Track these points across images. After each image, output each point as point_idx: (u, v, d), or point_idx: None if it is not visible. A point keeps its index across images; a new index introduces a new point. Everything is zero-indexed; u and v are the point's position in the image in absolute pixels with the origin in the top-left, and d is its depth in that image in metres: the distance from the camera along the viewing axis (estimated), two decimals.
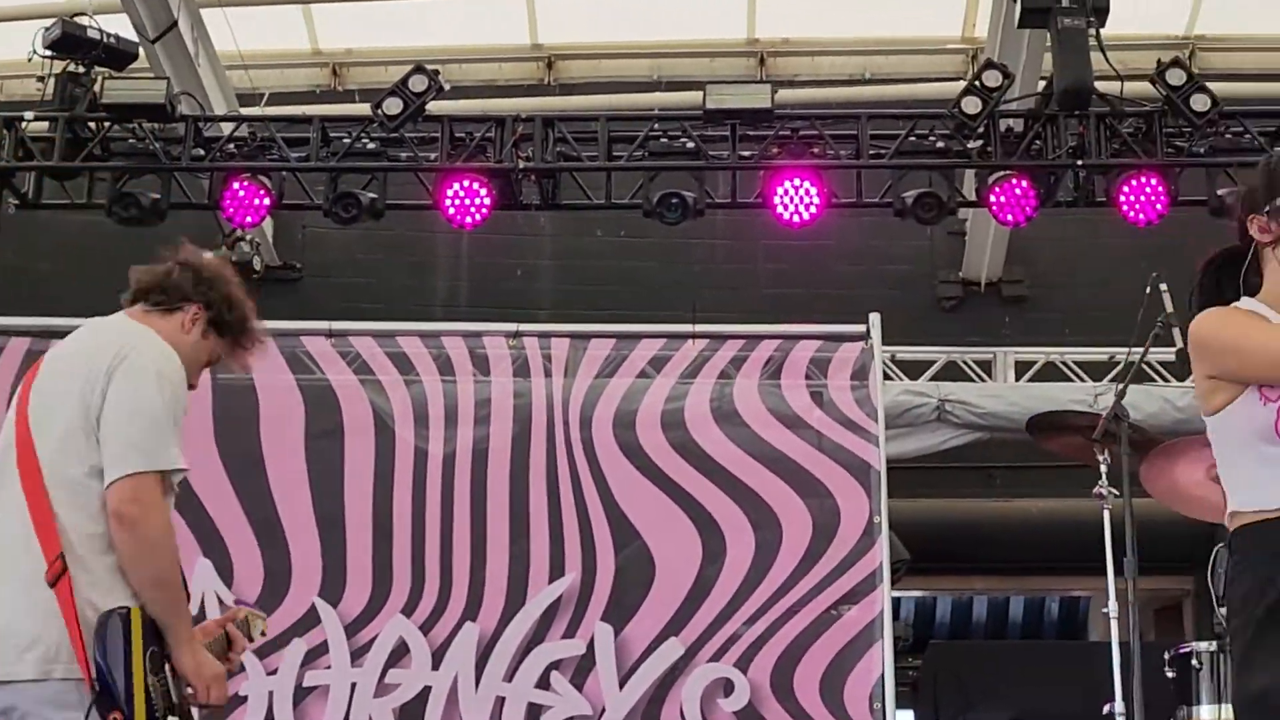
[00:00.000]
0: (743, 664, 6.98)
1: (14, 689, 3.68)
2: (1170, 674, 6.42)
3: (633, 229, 10.10)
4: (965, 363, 10.88)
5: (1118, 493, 6.54)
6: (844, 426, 7.21)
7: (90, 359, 3.92)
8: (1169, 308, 6.76)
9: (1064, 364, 10.82)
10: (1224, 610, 3.61)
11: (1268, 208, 3.57)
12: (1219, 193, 8.80)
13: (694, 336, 7.49)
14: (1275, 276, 3.61)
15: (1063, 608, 13.98)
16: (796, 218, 8.66)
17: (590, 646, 7.04)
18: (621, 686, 6.98)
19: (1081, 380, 10.56)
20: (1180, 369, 8.92)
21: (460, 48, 11.70)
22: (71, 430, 3.83)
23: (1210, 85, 8.68)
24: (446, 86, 8.59)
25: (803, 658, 6.97)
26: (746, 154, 8.74)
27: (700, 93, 8.58)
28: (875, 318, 7.32)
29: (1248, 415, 3.47)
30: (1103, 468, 6.61)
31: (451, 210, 8.62)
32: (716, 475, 7.22)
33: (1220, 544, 3.66)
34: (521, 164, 8.72)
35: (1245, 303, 3.64)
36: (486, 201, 8.66)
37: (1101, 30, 8.49)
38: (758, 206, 8.83)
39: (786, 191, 8.63)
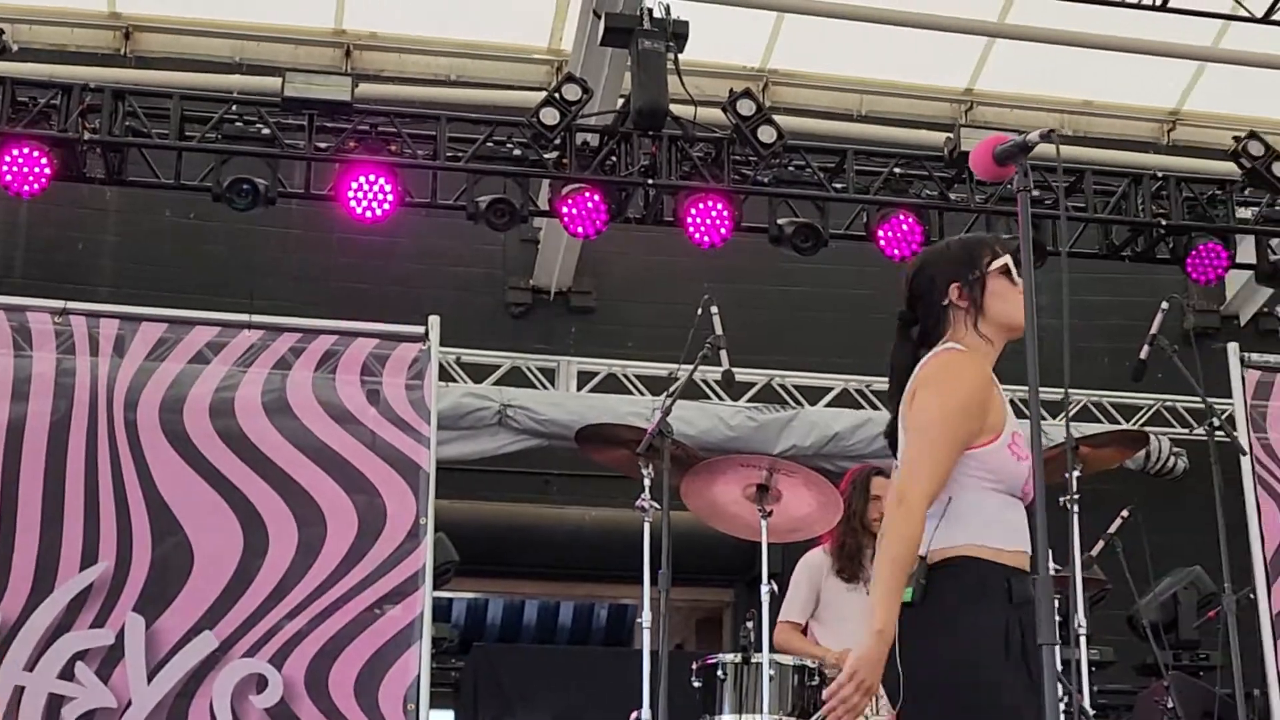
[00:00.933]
0: (278, 660, 6.85)
1: None
2: (697, 684, 6.59)
3: (203, 212, 9.84)
4: (529, 369, 11.03)
5: (659, 506, 6.69)
6: (397, 426, 7.18)
7: None
8: (718, 329, 6.96)
9: (625, 376, 11.08)
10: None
11: (967, 279, 3.92)
12: (779, 221, 9.17)
13: (250, 326, 7.34)
14: (968, 335, 3.94)
15: (611, 615, 14.26)
16: (369, 214, 8.64)
17: (120, 637, 6.80)
18: (150, 679, 6.76)
19: (642, 394, 10.84)
20: (730, 389, 9.24)
21: (32, 8, 11.18)
22: None
23: (779, 118, 9.04)
24: (14, 48, 8.24)
25: (340, 656, 6.89)
26: (323, 145, 8.66)
27: (281, 79, 8.46)
28: (435, 320, 7.33)
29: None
30: (646, 481, 6.76)
31: (9, 177, 8.30)
32: (263, 468, 7.08)
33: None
34: (87, 135, 8.43)
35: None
36: (47, 171, 8.36)
37: (680, 55, 8.72)
38: (331, 199, 8.75)
39: (360, 187, 8.59)
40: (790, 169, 9.27)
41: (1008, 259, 3.94)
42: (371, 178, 8.59)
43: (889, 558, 3.63)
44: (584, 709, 9.01)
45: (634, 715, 6.57)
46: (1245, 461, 7.27)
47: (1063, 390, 11.72)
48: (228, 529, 6.98)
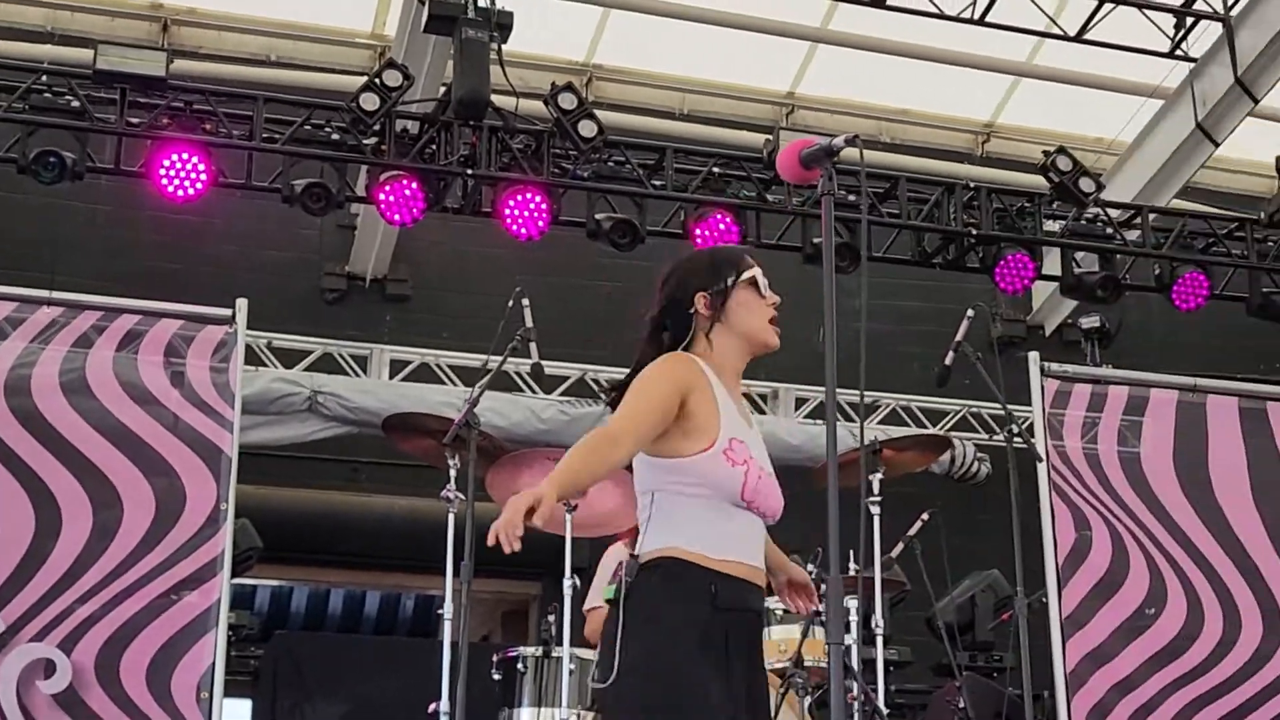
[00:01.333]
0: (67, 645, 6.67)
1: None
2: (497, 676, 6.58)
3: (7, 184, 9.56)
4: (342, 356, 10.92)
5: (464, 497, 6.68)
6: (200, 409, 7.04)
7: None
8: (528, 322, 6.97)
9: (439, 366, 11.02)
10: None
11: (713, 289, 3.99)
12: (597, 216, 9.18)
13: (50, 303, 7.15)
14: (704, 344, 4.01)
15: (418, 605, 14.17)
16: (181, 192, 8.47)
17: None
18: None
19: (455, 384, 10.79)
20: (540, 382, 9.24)
21: None
22: None
23: (600, 114, 9.04)
24: None
25: (133, 642, 6.72)
26: (135, 121, 8.47)
27: (93, 51, 8.26)
28: (243, 303, 7.21)
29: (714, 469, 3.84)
30: (452, 472, 6.73)
31: None
32: (59, 448, 6.89)
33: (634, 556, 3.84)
34: None
35: (698, 359, 3.99)
36: None
37: (504, 46, 8.69)
38: (141, 176, 8.57)
39: (173, 164, 8.42)
40: (610, 164, 9.28)
41: (756, 272, 4.04)
42: (184, 156, 8.42)
43: (586, 448, 3.74)
44: (384, 699, 8.94)
45: (433, 707, 6.55)
46: (1041, 468, 7.42)
47: (869, 394, 11.93)
48: (19, 510, 6.78)
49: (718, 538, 3.82)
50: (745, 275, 4.02)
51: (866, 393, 11.58)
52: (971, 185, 9.98)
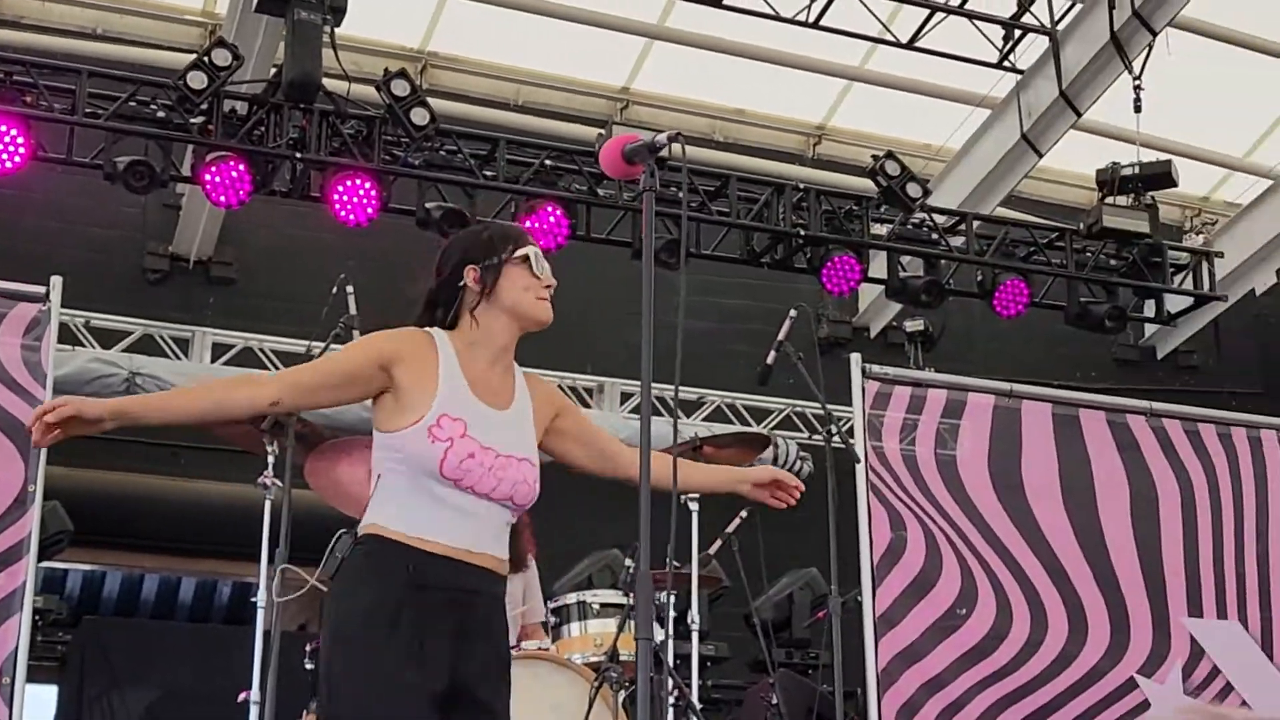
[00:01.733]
0: None
1: None
2: (310, 665, 6.51)
3: None
4: (162, 338, 10.73)
5: (281, 484, 6.60)
6: (8, 388, 6.81)
7: None
8: (352, 309, 6.92)
9: (262, 351, 10.88)
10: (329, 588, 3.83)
11: (484, 264, 3.95)
12: (427, 205, 9.12)
13: None
14: (468, 320, 3.98)
15: (235, 593, 13.94)
16: None
17: None
18: None
19: (278, 369, 10.63)
20: None
21: None
22: None
23: (434, 102, 8.98)
24: None
25: None
26: None
27: None
28: (57, 280, 7.01)
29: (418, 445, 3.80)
30: (270, 458, 6.65)
31: None
32: None
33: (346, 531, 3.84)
34: None
35: (438, 333, 3.98)
36: None
37: (338, 29, 8.60)
38: None
39: None
40: (442, 153, 9.24)
41: (530, 249, 3.99)
42: (3, 128, 8.22)
43: (221, 380, 4.17)
44: (195, 687, 8.82)
45: (242, 696, 6.46)
46: (860, 469, 7.51)
47: (695, 390, 11.97)
48: None
49: (423, 516, 3.79)
50: (519, 252, 3.97)
51: (693, 389, 11.82)
52: (801, 186, 10.09)
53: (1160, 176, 10.63)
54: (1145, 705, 7.82)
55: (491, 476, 3.83)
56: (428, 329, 3.98)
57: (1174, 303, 11.16)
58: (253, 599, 6.62)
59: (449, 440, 3.78)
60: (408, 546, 3.77)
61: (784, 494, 4.39)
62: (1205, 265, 11.12)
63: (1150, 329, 13.60)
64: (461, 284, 3.98)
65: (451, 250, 4.05)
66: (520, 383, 4.05)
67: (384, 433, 3.88)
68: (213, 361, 10.76)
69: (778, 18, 10.36)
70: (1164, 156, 10.96)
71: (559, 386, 11.16)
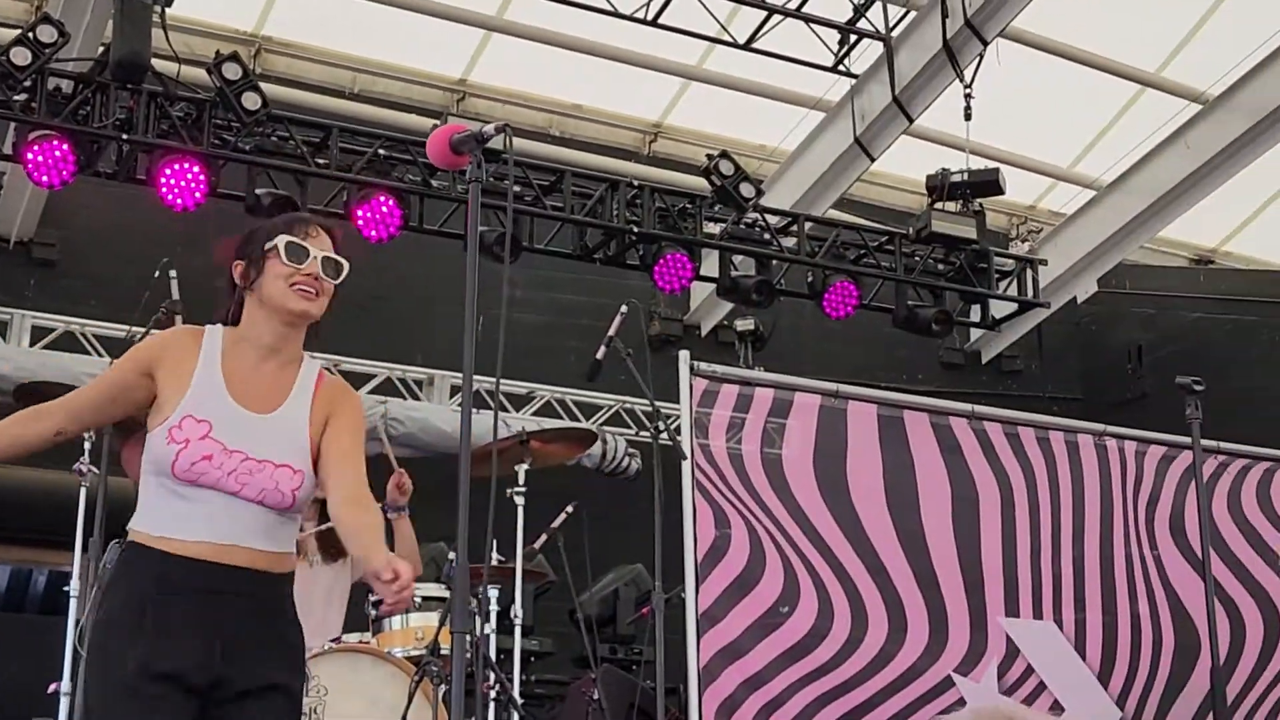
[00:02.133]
0: None
1: None
2: None
3: None
4: None
5: (98, 471, 6.48)
6: None
7: None
8: (175, 294, 6.82)
9: (84, 335, 10.66)
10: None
11: (248, 259, 3.90)
12: (257, 191, 8.98)
13: None
14: (243, 316, 3.93)
15: (50, 582, 13.64)
16: None
17: None
18: None
19: (100, 355, 10.44)
20: None
21: None
22: None
23: (267, 87, 8.87)
24: None
25: None
26: None
27: None
28: None
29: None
30: (86, 445, 6.53)
31: None
32: None
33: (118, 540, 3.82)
34: None
35: (212, 330, 3.94)
36: None
37: (169, 10, 8.46)
38: None
39: None
40: (273, 139, 9.10)
41: (283, 239, 3.88)
42: None
43: (12, 418, 3.88)
44: (4, 680, 8.60)
45: (53, 688, 6.35)
46: (686, 466, 7.54)
47: (524, 384, 11.95)
48: None
49: (166, 517, 3.75)
50: (271, 243, 3.89)
51: (522, 384, 11.80)
52: (636, 183, 10.11)
53: (988, 184, 10.80)
54: (961, 703, 7.96)
55: (233, 480, 3.74)
56: (205, 327, 3.94)
57: (999, 308, 11.35)
58: (65, 588, 6.49)
59: (184, 442, 3.72)
60: (153, 550, 3.74)
61: (386, 591, 3.66)
62: (1030, 272, 11.32)
63: (976, 334, 13.85)
64: (235, 279, 3.95)
65: (229, 246, 4.00)
66: (304, 384, 3.97)
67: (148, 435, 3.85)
68: (32, 345, 10.51)
69: (616, 14, 10.37)
70: (992, 164, 11.16)
71: (390, 379, 11.18)
